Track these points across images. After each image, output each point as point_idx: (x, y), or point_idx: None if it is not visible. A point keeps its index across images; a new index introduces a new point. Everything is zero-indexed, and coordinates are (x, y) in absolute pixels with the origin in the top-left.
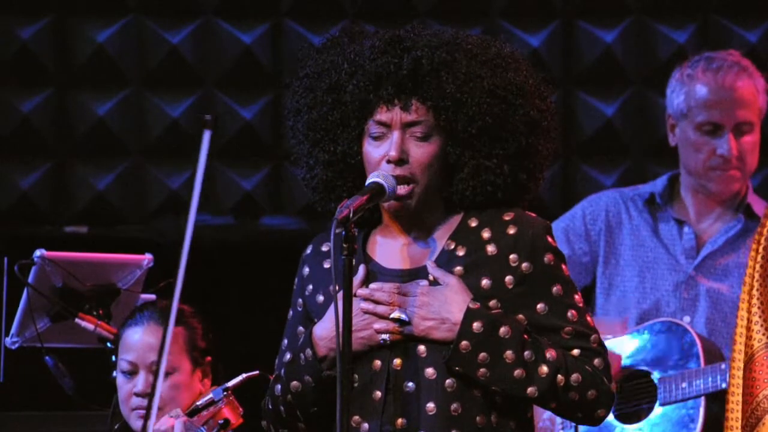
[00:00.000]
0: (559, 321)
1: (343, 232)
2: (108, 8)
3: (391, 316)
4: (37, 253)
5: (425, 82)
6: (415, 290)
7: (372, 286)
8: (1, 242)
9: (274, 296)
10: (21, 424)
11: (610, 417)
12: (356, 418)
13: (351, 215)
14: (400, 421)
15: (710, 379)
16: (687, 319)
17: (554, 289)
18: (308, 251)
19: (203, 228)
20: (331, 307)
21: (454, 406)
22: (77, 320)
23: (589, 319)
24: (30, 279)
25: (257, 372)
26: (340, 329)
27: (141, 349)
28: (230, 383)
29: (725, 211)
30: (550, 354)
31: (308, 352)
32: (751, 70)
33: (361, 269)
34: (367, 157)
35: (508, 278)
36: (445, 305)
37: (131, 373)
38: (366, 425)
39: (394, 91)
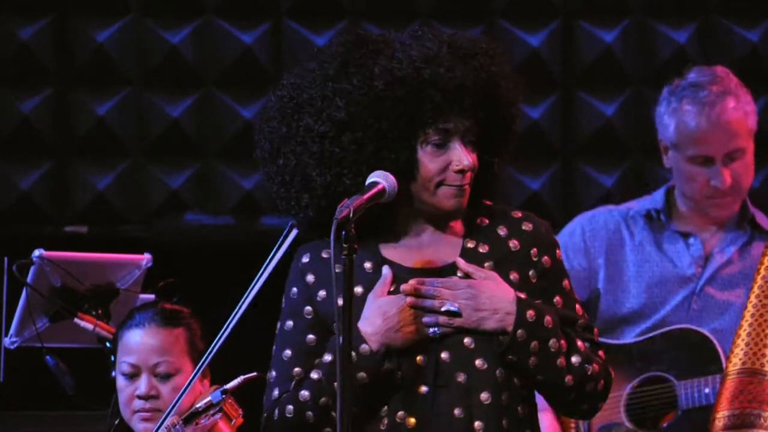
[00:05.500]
0: (572, 314)
1: (343, 233)
2: (108, 8)
3: (443, 308)
4: (36, 252)
5: (484, 91)
6: (460, 283)
7: (412, 281)
8: (1, 242)
9: (273, 296)
10: (21, 424)
11: (627, 422)
12: (401, 413)
13: (351, 215)
14: (457, 411)
15: None
16: None
17: (565, 282)
18: (305, 260)
19: (203, 228)
20: (370, 304)
21: (504, 396)
22: (76, 320)
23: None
24: (29, 279)
25: (255, 374)
26: (342, 327)
27: (143, 352)
28: (229, 385)
29: (728, 221)
30: (579, 344)
31: (364, 347)
32: (737, 92)
33: (386, 270)
34: (427, 166)
35: (531, 272)
36: (494, 296)
37: (133, 375)
38: (412, 419)
39: (469, 102)
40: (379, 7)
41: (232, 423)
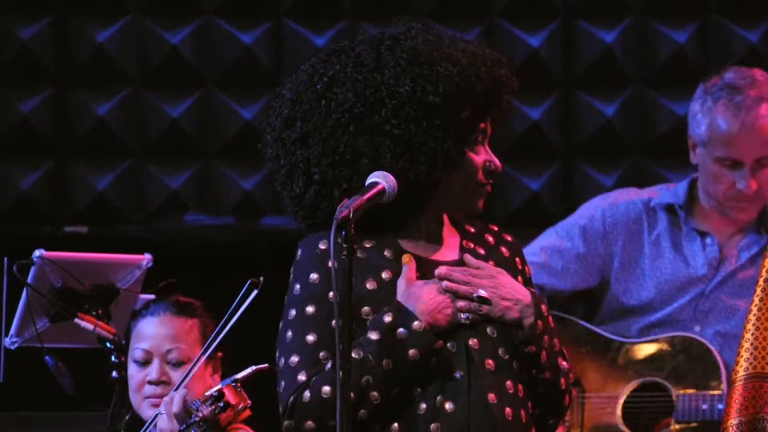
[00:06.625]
0: None
1: (344, 232)
2: (108, 8)
3: (476, 295)
4: (36, 253)
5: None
6: (483, 273)
7: (443, 267)
8: (1, 242)
9: (274, 296)
10: (21, 424)
11: (622, 425)
12: (439, 398)
13: (351, 215)
14: (492, 395)
15: None
16: (697, 329)
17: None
18: (323, 246)
19: (203, 228)
20: (408, 285)
21: (520, 387)
22: (77, 320)
23: None
24: (29, 279)
25: (266, 365)
26: (339, 325)
27: (156, 338)
28: (239, 375)
29: (747, 225)
30: (565, 351)
31: (417, 324)
32: None
33: (407, 256)
34: (473, 164)
35: (519, 278)
36: (513, 287)
37: (145, 362)
38: (450, 405)
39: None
40: (379, 7)
41: (240, 408)
